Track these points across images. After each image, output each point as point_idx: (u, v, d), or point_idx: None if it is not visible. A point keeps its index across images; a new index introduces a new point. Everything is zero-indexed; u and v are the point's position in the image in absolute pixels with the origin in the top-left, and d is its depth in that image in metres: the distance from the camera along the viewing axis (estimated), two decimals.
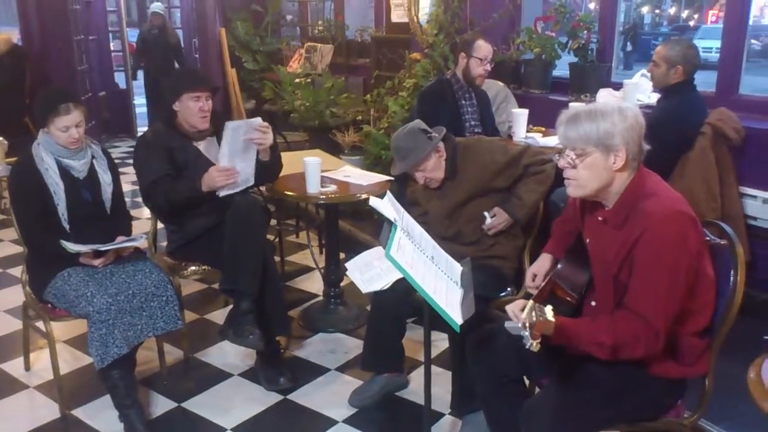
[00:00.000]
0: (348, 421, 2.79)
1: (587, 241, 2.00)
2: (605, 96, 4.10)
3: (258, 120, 3.01)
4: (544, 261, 2.27)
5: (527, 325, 1.57)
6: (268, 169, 3.14)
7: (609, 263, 1.86)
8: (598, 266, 1.93)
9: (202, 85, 3.03)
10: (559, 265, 2.06)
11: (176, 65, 8.37)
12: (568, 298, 1.96)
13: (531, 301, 1.65)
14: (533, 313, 1.60)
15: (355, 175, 3.52)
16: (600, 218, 1.93)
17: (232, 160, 2.94)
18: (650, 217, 1.76)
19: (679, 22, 28.20)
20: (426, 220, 2.79)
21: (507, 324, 1.63)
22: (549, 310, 1.61)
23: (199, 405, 2.91)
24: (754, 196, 3.36)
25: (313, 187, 3.17)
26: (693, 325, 1.87)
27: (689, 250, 1.76)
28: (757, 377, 1.62)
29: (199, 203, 3.00)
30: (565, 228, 2.26)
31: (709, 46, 14.15)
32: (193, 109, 3.00)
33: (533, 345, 1.57)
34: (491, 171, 2.78)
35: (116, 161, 3.07)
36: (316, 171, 3.16)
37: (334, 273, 3.62)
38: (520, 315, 1.66)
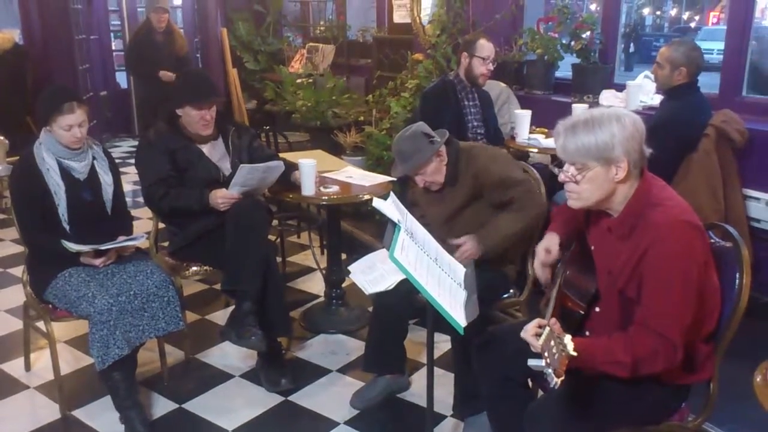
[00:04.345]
0: (349, 422, 2.79)
1: (592, 248, 1.97)
2: (608, 97, 4.10)
3: (279, 168, 3.03)
4: (553, 238, 2.13)
5: (549, 362, 1.51)
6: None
7: (615, 275, 1.84)
8: (603, 275, 1.90)
9: (207, 99, 3.01)
10: (567, 272, 2.04)
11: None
12: (580, 310, 1.93)
13: (548, 328, 1.60)
14: (552, 343, 1.54)
15: (357, 175, 3.50)
16: (605, 227, 1.90)
17: (242, 190, 2.94)
18: (656, 229, 1.74)
19: (680, 24, 28.18)
20: (426, 222, 2.76)
21: (530, 362, 1.57)
22: (569, 341, 1.54)
23: (200, 406, 2.91)
24: (758, 199, 3.35)
25: (308, 189, 3.12)
26: (699, 331, 1.86)
27: (697, 261, 1.74)
28: (764, 381, 1.60)
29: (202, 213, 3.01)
30: (567, 214, 2.15)
31: (711, 47, 14.12)
32: (195, 117, 3.01)
33: (557, 383, 1.49)
34: (485, 179, 2.70)
35: (117, 161, 3.06)
36: (311, 173, 3.11)
37: (335, 274, 3.61)
38: (536, 343, 1.60)
